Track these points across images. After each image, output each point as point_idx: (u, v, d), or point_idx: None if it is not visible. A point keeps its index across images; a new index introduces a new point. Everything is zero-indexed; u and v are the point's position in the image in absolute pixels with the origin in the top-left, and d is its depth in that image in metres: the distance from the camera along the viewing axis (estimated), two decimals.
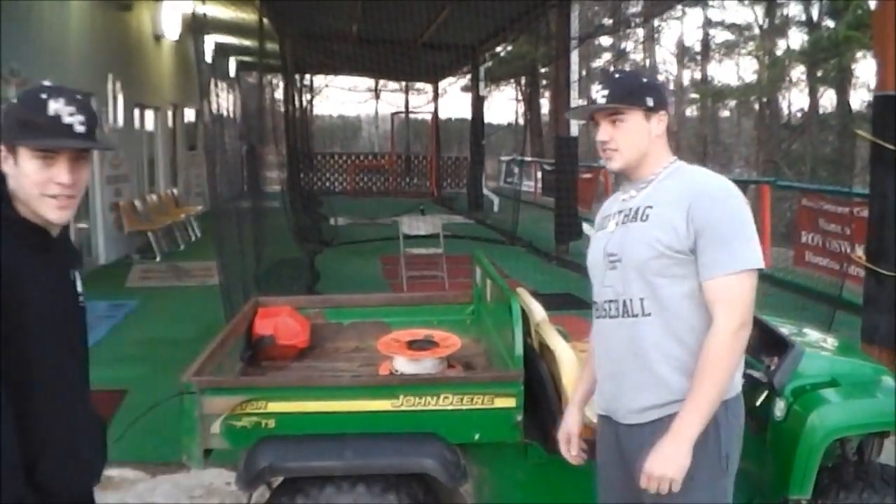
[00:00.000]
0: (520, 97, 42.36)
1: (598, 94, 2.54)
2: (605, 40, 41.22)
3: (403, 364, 3.81)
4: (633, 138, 2.53)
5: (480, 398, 3.08)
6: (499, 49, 20.70)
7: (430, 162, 27.02)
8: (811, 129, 34.99)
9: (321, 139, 30.40)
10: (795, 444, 3.11)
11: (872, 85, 33.88)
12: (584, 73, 14.58)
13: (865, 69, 33.64)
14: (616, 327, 2.54)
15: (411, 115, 30.45)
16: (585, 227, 14.13)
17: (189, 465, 3.10)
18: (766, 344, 3.24)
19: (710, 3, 33.50)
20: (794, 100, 40.45)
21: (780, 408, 3.19)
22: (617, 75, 2.65)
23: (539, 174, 24.42)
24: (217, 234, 8.17)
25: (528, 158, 26.66)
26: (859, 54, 31.83)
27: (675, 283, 2.44)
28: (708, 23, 39.50)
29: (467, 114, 23.03)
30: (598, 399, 2.71)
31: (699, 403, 2.34)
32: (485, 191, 22.06)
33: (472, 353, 4.17)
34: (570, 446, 2.79)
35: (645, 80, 2.60)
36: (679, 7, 34.53)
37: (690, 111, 41.79)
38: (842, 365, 3.51)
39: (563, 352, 3.22)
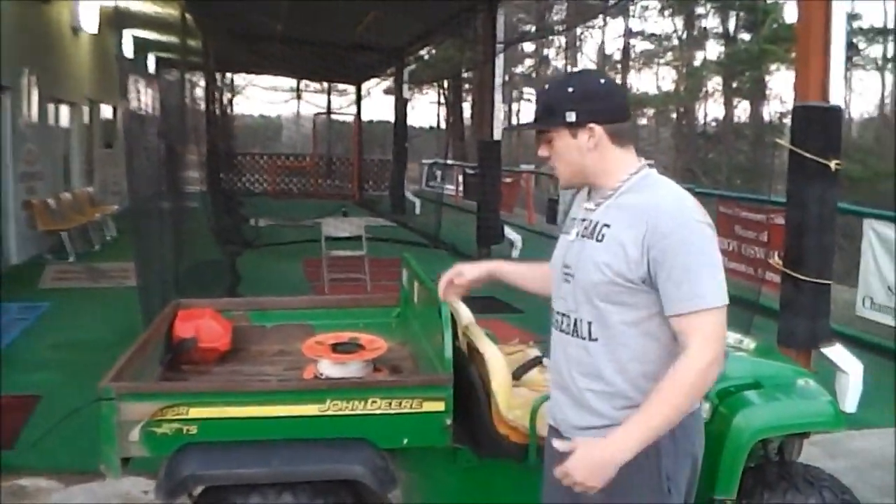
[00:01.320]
0: (442, 101, 42.53)
1: (533, 108, 2.46)
2: (529, 46, 41.60)
3: (329, 367, 3.73)
4: (565, 158, 2.41)
5: (409, 402, 3.02)
6: (424, 52, 20.69)
7: (353, 164, 26.89)
8: (727, 138, 35.76)
9: (243, 139, 29.98)
10: (721, 446, 3.16)
11: (786, 97, 34.91)
12: (507, 77, 14.58)
13: (779, 81, 34.50)
14: (566, 343, 2.44)
15: (334, 117, 30.25)
16: (507, 230, 14.22)
17: (107, 473, 2.98)
18: None
19: (632, 13, 33.86)
20: (711, 110, 41.32)
21: (704, 410, 3.20)
22: (545, 86, 2.49)
23: (461, 177, 24.45)
24: (135, 235, 7.97)
25: (450, 162, 26.72)
26: (774, 67, 32.63)
27: (623, 311, 2.30)
28: (629, 32, 40.07)
29: (390, 116, 23.00)
30: (548, 407, 2.63)
31: (648, 422, 2.17)
32: (406, 193, 22.03)
33: (398, 357, 4.11)
34: (447, 286, 2.95)
35: (571, 89, 2.38)
36: (601, 16, 35.00)
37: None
38: (765, 367, 3.58)
39: (492, 355, 3.19)
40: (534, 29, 34.35)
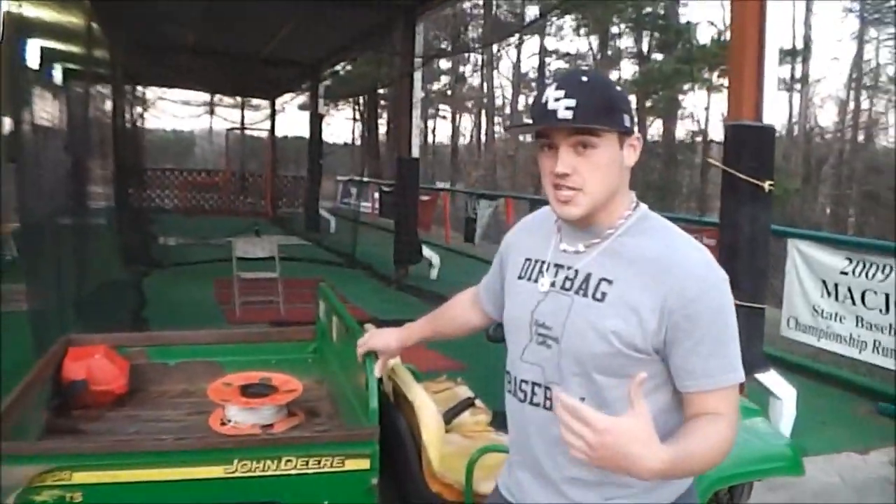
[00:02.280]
0: (358, 117, 42.17)
1: (559, 103, 1.82)
2: (444, 63, 41.53)
3: (237, 413, 3.36)
4: (605, 173, 1.86)
5: (329, 460, 2.66)
6: (340, 67, 20.34)
7: (266, 180, 26.34)
8: (640, 157, 36.18)
9: (153, 154, 29.14)
10: None
11: (698, 115, 35.47)
12: (423, 94, 14.34)
13: (692, 101, 35.04)
14: (544, 420, 1.94)
15: (247, 132, 29.65)
16: (425, 249, 13.94)
17: None
18: None
19: (548, 32, 34.06)
20: None
21: None
22: (585, 78, 1.86)
23: (376, 195, 24.07)
24: (27, 255, 7.41)
25: (366, 179, 26.38)
26: (686, 86, 33.12)
27: (623, 385, 1.81)
28: (544, 51, 40.29)
29: (305, 132, 22.56)
30: (505, 481, 2.15)
31: (685, 457, 1.73)
32: (321, 211, 21.61)
33: (315, 398, 3.75)
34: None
35: (619, 89, 1.92)
36: (517, 35, 35.18)
37: (524, 137, 42.36)
38: None
39: (422, 403, 2.85)
40: (450, 46, 34.29)
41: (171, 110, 47.86)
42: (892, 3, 35.22)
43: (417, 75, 13.40)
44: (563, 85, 1.84)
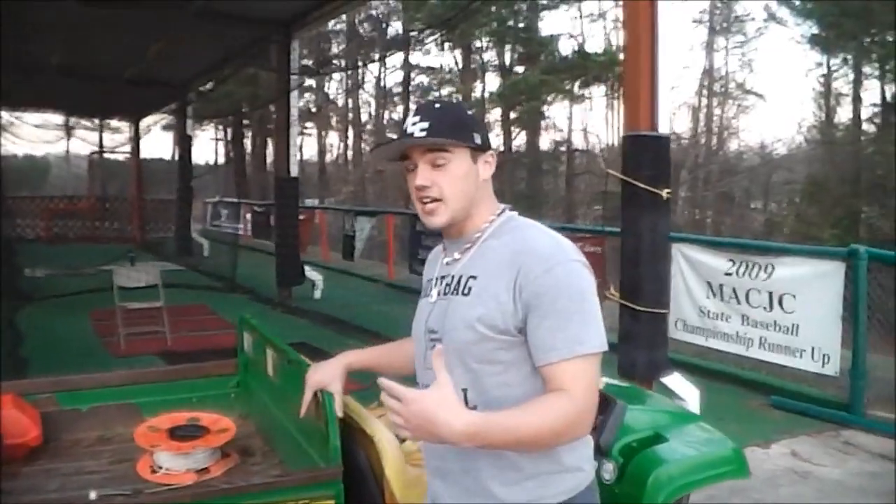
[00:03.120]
0: (227, 137, 41.42)
1: (415, 126, 2.04)
2: (308, 81, 41.09)
3: (168, 459, 3.15)
4: (460, 185, 2.06)
5: None
6: (208, 87, 19.88)
7: (133, 204, 25.49)
8: (506, 167, 36.63)
9: (9, 181, 27.84)
10: None
11: (560, 125, 36.11)
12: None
13: (555, 111, 35.74)
14: None
15: (111, 155, 28.64)
16: (307, 270, 13.72)
17: None
18: None
19: (412, 47, 34.17)
20: (492, 140, 42.27)
21: (608, 470, 2.90)
22: (437, 105, 2.11)
23: (248, 216, 23.60)
24: None
25: (236, 200, 25.89)
26: (550, 97, 33.75)
27: (501, 371, 1.99)
28: (407, 66, 40.38)
29: (167, 153, 21.97)
30: (429, 496, 2.22)
31: (506, 427, 1.81)
32: (194, 234, 21.05)
33: (244, 435, 3.55)
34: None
35: (471, 112, 2.16)
36: (379, 51, 35.21)
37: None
38: (660, 416, 3.32)
39: (383, 436, 2.71)
40: (314, 64, 34.01)
41: (25, 135, 45.84)
42: (739, 13, 36.85)
43: (294, 94, 13.18)
44: (419, 111, 2.10)
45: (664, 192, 6.00)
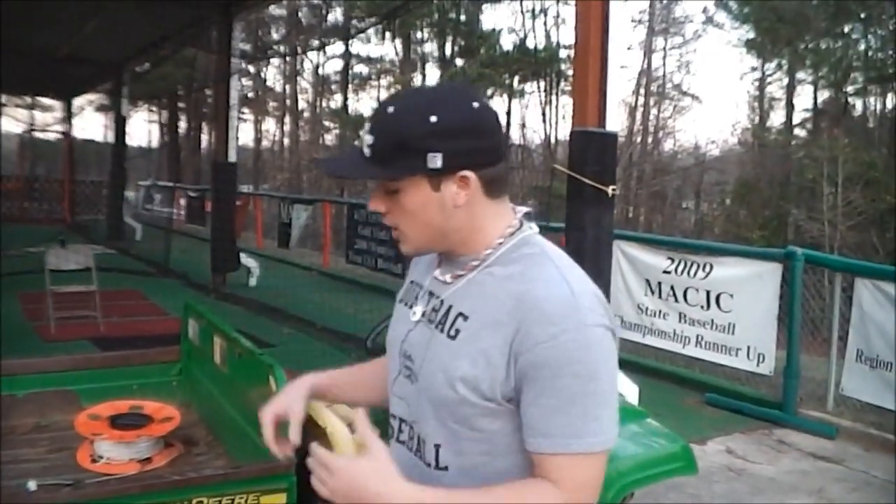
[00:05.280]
0: (162, 120, 40.74)
1: (365, 139, 1.59)
2: (250, 67, 40.63)
3: (110, 448, 3.07)
4: (420, 218, 1.61)
5: (244, 497, 2.42)
6: (145, 67, 19.49)
7: (64, 185, 24.91)
8: None
9: None
10: None
11: (502, 120, 36.17)
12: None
13: (495, 104, 35.78)
14: (407, 461, 1.68)
15: (38, 134, 27.94)
16: (243, 256, 13.54)
17: None
18: None
19: (352, 36, 33.95)
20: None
21: None
22: (391, 109, 1.58)
23: (182, 201, 23.21)
24: None
25: (170, 184, 25.48)
26: (490, 90, 33.83)
27: (482, 441, 1.60)
28: (347, 55, 40.13)
29: (99, 135, 21.53)
30: None
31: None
32: (126, 218, 20.65)
33: (187, 424, 3.48)
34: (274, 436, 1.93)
35: (434, 118, 1.54)
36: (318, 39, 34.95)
37: (330, 139, 42.12)
38: None
39: (335, 429, 2.64)
40: (252, 49, 33.63)
41: None
42: (678, 14, 37.33)
43: (234, 77, 12.98)
44: (373, 117, 1.61)
45: (610, 189, 6.01)
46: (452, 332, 1.60)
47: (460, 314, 1.61)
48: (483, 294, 1.60)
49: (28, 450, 3.26)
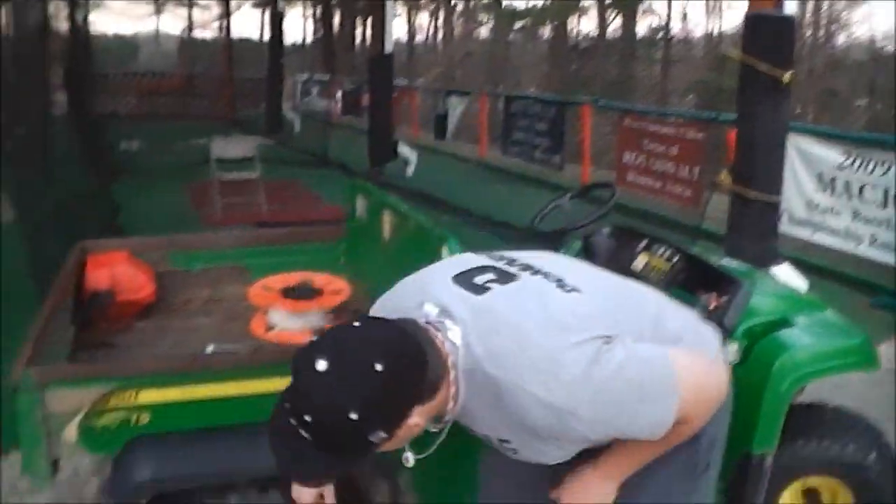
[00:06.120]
0: (316, 15, 41.08)
1: (304, 435, 1.51)
2: None
3: (283, 319, 3.11)
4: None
5: None
6: None
7: (224, 81, 25.49)
8: (598, 53, 35.77)
9: (101, 59, 28.01)
10: (758, 394, 2.65)
11: (660, 11, 34.96)
12: None
13: None
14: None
15: (200, 34, 28.64)
16: (401, 147, 13.60)
17: (33, 483, 2.27)
18: (699, 279, 2.77)
19: None
20: (584, 25, 41.12)
21: (732, 351, 2.73)
22: (307, 417, 1.48)
23: (339, 94, 23.40)
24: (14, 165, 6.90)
25: (327, 77, 25.74)
26: None
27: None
28: None
29: (253, 33, 21.84)
30: None
31: (639, 453, 1.84)
32: (285, 111, 21.02)
33: (355, 300, 3.48)
34: None
35: (354, 416, 1.46)
36: None
37: (484, 32, 41.60)
38: (786, 301, 3.11)
39: None
40: None
41: (114, 13, 46.18)
42: None
43: None
44: (297, 420, 1.51)
45: (786, 76, 5.66)
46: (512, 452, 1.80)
47: (501, 440, 1.78)
48: (485, 420, 1.72)
49: (204, 319, 3.34)
